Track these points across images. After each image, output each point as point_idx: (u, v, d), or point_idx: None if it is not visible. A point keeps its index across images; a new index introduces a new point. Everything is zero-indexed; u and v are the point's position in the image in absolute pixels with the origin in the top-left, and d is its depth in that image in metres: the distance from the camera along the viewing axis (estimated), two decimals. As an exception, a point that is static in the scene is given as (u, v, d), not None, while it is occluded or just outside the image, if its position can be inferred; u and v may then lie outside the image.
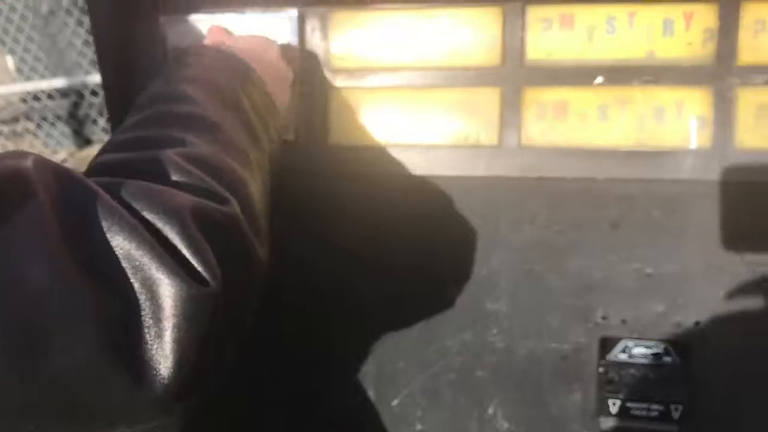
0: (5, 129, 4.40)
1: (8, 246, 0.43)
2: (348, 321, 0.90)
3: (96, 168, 0.56)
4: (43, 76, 3.70)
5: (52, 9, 3.49)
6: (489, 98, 0.83)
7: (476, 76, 0.83)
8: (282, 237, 0.71)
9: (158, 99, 0.65)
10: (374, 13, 0.84)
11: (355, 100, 0.86)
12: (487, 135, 0.83)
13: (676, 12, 0.77)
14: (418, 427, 0.90)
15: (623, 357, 0.83)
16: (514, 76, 0.82)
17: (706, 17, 0.77)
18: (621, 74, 0.79)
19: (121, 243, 0.46)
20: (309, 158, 0.87)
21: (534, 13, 0.80)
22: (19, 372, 0.42)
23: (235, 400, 0.90)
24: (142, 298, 0.46)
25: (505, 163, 0.83)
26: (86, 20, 3.29)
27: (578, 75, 0.80)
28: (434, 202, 0.85)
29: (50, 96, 3.75)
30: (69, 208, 0.46)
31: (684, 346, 0.82)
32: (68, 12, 3.49)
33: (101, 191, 0.47)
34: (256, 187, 0.62)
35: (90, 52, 3.38)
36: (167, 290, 0.46)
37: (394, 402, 0.90)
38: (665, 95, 0.79)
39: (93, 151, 3.70)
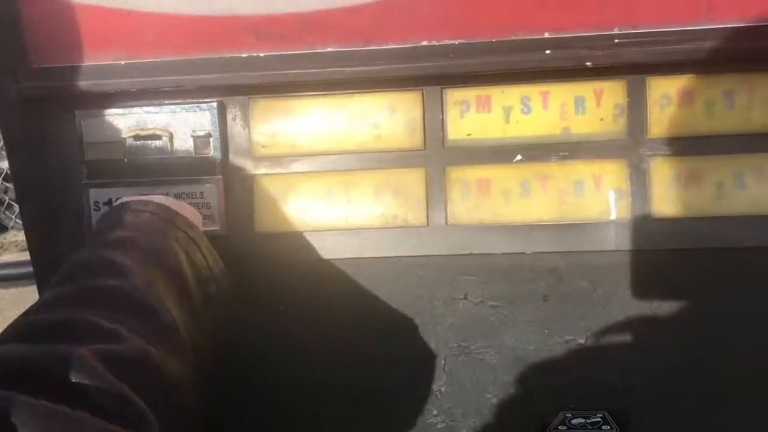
0: None
1: None
2: (278, 413, 0.87)
3: None
4: (-46, 160, 3.55)
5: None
6: (414, 179, 0.83)
7: (400, 158, 0.83)
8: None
9: (81, 269, 0.59)
10: (295, 99, 0.84)
11: (280, 187, 0.85)
12: (415, 215, 0.83)
13: (586, 90, 0.80)
14: None
15: (563, 429, 0.83)
16: (437, 157, 0.83)
17: (615, 94, 0.80)
18: (539, 151, 0.81)
19: None
20: (236, 247, 0.85)
21: (452, 96, 0.82)
22: None
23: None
24: None
25: (434, 241, 0.83)
26: None
27: (498, 153, 0.82)
28: (366, 285, 0.84)
29: (-38, 180, 3.60)
30: None
31: (621, 414, 0.82)
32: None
33: None
34: (186, 372, 0.56)
35: (5, 136, 3.26)
36: None
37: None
38: (582, 169, 0.81)
39: (8, 237, 3.55)
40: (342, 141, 0.84)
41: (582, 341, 0.82)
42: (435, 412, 0.86)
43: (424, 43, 0.78)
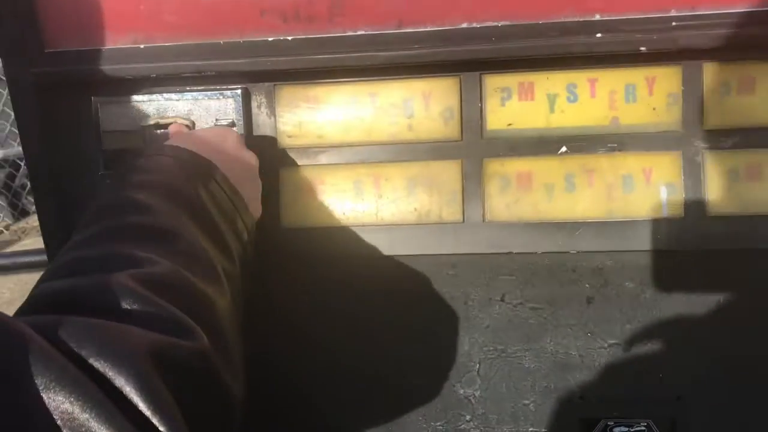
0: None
1: None
2: (307, 414, 0.83)
3: (34, 299, 0.47)
4: (-24, 147, 3.57)
5: (-16, 79, 3.37)
6: (449, 172, 0.79)
7: (434, 149, 0.79)
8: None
9: (106, 211, 0.57)
10: (324, 86, 0.80)
11: (308, 179, 0.81)
12: (450, 210, 0.79)
13: (638, 77, 0.75)
14: None
15: (605, 439, 0.78)
16: (474, 148, 0.78)
17: (669, 81, 0.75)
18: (585, 143, 0.76)
19: (61, 403, 0.37)
20: (262, 243, 0.80)
21: (492, 83, 0.77)
22: None
23: None
24: None
25: (470, 239, 0.79)
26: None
27: (541, 145, 0.77)
28: (398, 284, 0.80)
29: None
30: None
31: (667, 424, 0.78)
32: (2, 81, 3.38)
33: (35, 336, 0.39)
34: (224, 303, 0.55)
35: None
36: None
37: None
38: (632, 162, 0.76)
39: (30, 222, 3.56)
40: (373, 131, 0.80)
41: (627, 346, 0.78)
42: (468, 418, 0.82)
43: (464, 25, 0.74)
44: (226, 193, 0.65)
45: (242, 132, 0.80)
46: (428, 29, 0.74)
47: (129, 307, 0.46)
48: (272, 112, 0.81)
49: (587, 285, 0.78)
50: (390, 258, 0.80)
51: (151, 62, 0.77)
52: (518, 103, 0.77)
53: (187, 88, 0.80)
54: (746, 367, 0.76)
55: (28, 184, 3.61)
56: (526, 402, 0.81)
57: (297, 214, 0.81)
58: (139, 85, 0.81)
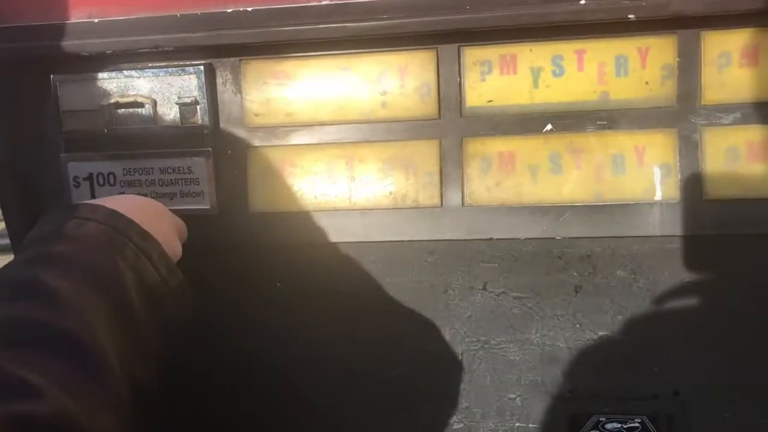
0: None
1: None
2: (278, 403, 0.81)
3: None
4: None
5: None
6: (427, 152, 0.74)
7: (410, 128, 0.75)
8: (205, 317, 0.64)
9: (9, 291, 0.53)
10: (292, 61, 0.76)
11: (277, 161, 0.77)
12: (427, 194, 0.75)
13: (629, 48, 0.70)
14: None
15: (596, 435, 0.75)
16: (453, 127, 0.74)
17: (664, 52, 0.70)
18: (572, 120, 0.72)
19: None
20: (229, 229, 0.78)
21: (471, 56, 0.72)
22: None
23: None
24: None
25: (449, 224, 0.75)
26: None
27: (524, 123, 0.73)
28: (372, 272, 0.77)
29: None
30: None
31: (663, 420, 0.75)
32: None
33: None
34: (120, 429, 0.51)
35: None
36: None
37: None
38: (623, 141, 0.71)
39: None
40: (345, 109, 0.76)
41: (618, 338, 0.74)
42: (452, 412, 0.79)
43: (439, -8, 0.69)
44: (137, 246, 0.60)
45: (207, 110, 0.76)
46: (401, -3, 0.70)
47: None
48: (238, 89, 0.77)
49: (575, 273, 0.74)
50: (364, 244, 0.77)
51: (105, 37, 0.74)
52: (499, 78, 0.73)
53: (149, 65, 0.77)
54: (746, 359, 0.73)
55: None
56: (512, 396, 0.78)
57: (266, 197, 0.78)
58: (98, 61, 0.77)
